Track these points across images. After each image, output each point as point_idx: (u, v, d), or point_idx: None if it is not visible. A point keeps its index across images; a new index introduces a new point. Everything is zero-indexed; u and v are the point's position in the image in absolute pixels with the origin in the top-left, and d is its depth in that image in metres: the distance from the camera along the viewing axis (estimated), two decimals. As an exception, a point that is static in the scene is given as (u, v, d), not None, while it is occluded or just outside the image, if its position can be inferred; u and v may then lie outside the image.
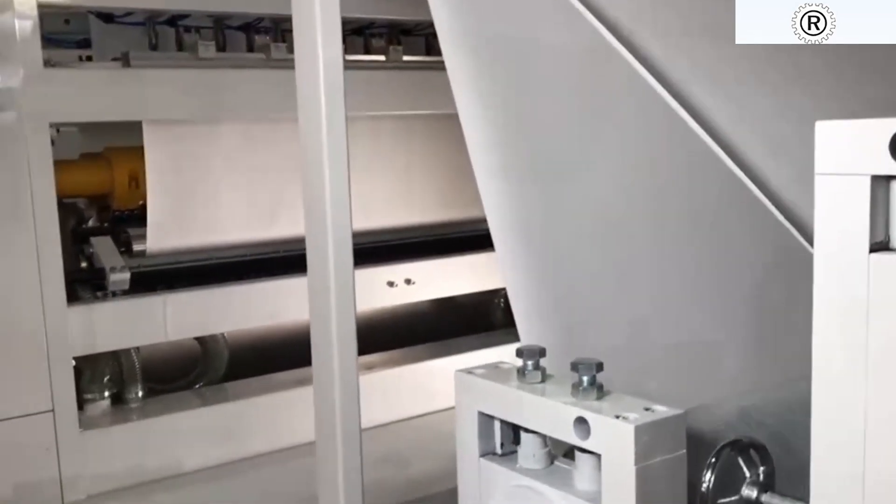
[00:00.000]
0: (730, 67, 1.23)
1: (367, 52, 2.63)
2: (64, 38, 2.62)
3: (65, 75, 2.05)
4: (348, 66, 2.30)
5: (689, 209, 1.28)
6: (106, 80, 2.10)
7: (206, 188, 2.40)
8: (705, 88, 1.18)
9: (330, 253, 1.53)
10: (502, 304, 3.06)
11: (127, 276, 2.25)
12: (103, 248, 2.32)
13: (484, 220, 2.92)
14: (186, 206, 2.38)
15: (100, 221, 2.46)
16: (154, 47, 2.38)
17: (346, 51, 2.37)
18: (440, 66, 2.53)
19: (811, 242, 1.06)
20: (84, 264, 2.37)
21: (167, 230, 2.36)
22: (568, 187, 1.31)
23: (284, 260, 2.59)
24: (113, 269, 2.24)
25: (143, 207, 2.36)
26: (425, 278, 2.67)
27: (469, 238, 2.93)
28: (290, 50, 2.36)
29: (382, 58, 2.53)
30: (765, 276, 1.31)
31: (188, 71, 2.19)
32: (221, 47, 2.41)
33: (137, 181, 2.38)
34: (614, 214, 1.29)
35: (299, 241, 2.58)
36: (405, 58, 2.55)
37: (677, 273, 1.29)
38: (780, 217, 1.08)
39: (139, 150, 2.26)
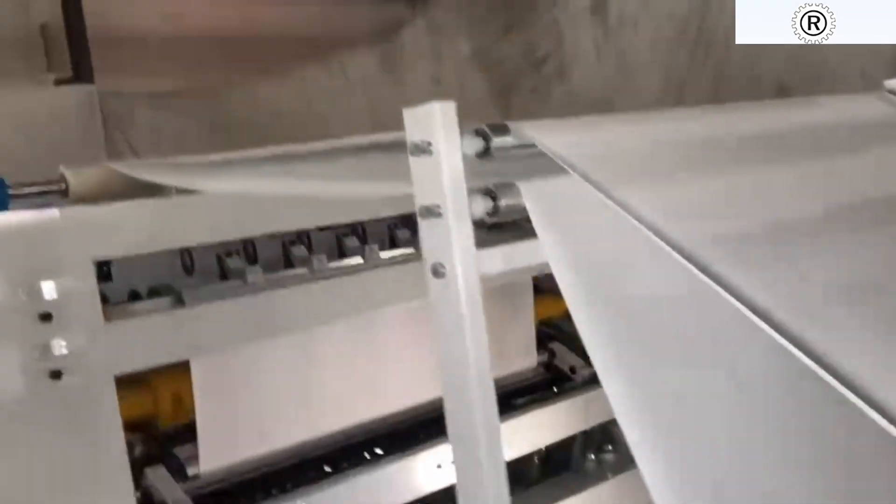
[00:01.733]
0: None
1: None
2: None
3: (125, 328, 2.04)
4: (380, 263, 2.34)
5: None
6: (164, 325, 2.09)
7: (253, 402, 2.40)
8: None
9: (480, 429, 1.50)
10: (536, 461, 3.10)
11: (189, 506, 2.22)
12: (160, 481, 2.27)
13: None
14: (236, 424, 2.37)
15: (143, 446, 2.42)
16: (189, 270, 2.38)
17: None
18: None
19: None
20: (137, 495, 2.32)
21: (219, 452, 2.34)
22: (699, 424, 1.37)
23: (333, 456, 2.58)
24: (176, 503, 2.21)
25: (186, 426, 2.34)
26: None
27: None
28: (330, 258, 2.40)
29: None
30: None
31: (239, 300, 2.20)
32: (253, 259, 2.42)
33: (181, 400, 2.35)
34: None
35: (343, 435, 2.61)
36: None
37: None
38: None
39: (177, 368, 2.24)
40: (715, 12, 4.90)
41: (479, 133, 1.40)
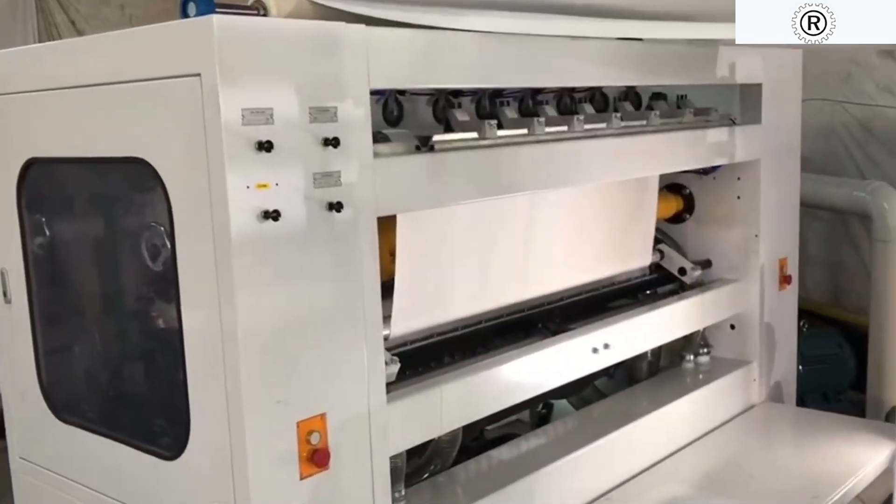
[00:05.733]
0: None
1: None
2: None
3: (390, 166, 1.89)
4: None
5: None
6: (421, 168, 1.96)
7: (442, 269, 2.30)
8: None
9: None
10: (649, 357, 3.10)
11: (397, 367, 2.10)
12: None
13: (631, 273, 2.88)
14: (426, 290, 2.27)
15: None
16: (394, 122, 2.23)
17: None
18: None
19: None
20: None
21: (409, 316, 2.23)
22: None
23: (516, 324, 2.55)
24: (385, 363, 2.09)
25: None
26: (620, 340, 2.65)
27: (615, 292, 2.94)
28: (548, 124, 2.28)
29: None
30: None
31: (486, 152, 2.08)
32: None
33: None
34: None
35: (523, 306, 2.52)
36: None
37: None
38: None
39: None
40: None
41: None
